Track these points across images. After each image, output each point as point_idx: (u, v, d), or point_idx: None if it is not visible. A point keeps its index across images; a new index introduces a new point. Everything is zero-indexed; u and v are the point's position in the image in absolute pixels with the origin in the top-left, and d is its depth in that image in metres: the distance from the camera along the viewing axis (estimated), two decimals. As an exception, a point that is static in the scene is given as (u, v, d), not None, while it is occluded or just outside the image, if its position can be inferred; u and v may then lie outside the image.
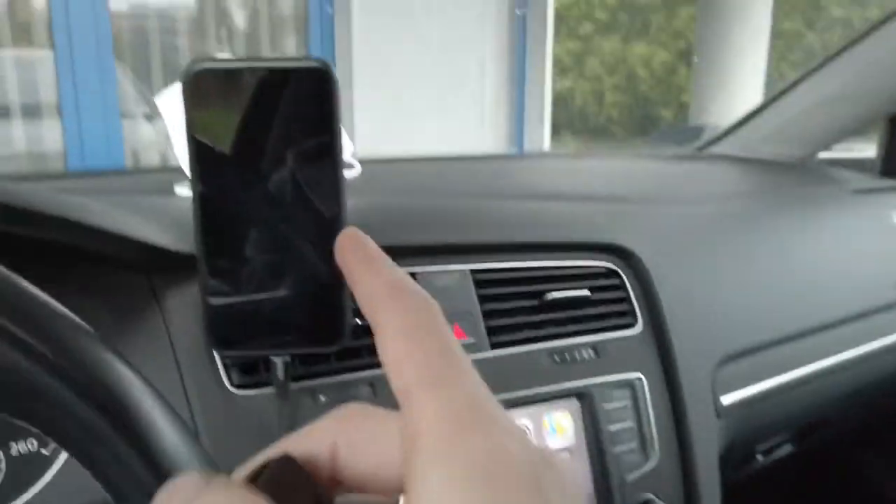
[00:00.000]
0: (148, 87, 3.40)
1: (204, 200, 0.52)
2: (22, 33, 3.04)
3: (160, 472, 0.30)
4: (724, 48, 5.31)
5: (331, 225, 0.55)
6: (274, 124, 0.52)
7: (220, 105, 0.51)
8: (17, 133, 3.06)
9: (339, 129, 0.53)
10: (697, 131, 1.43)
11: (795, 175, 1.20)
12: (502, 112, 4.90)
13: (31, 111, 3.05)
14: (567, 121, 10.78)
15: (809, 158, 1.34)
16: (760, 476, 1.01)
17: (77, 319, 0.33)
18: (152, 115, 3.36)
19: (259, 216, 0.54)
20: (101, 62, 3.04)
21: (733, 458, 0.84)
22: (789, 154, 1.34)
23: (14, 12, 2.98)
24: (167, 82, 3.41)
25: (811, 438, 0.99)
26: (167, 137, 0.79)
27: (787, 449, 0.98)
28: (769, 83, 5.73)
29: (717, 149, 1.45)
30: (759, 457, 0.92)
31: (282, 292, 0.56)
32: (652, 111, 11.07)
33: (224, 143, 0.53)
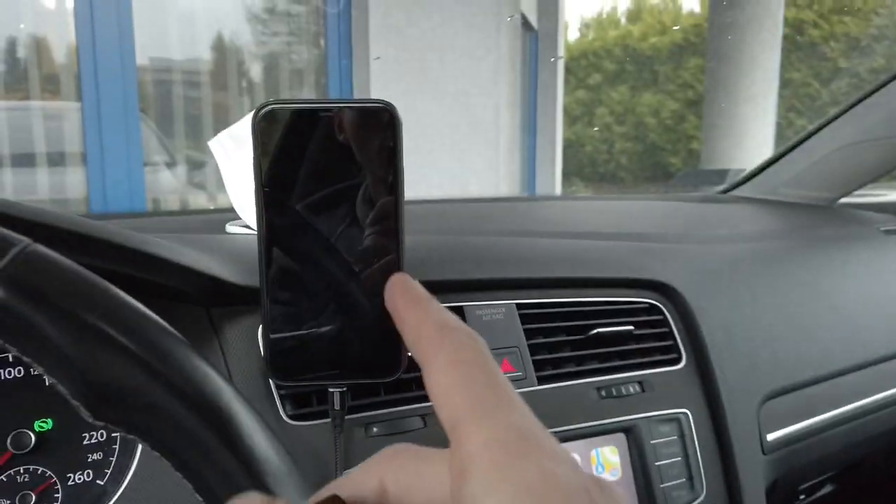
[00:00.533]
0: (169, 137, 3.48)
1: (269, 235, 0.54)
2: (50, 85, 3.13)
3: (262, 484, 0.31)
4: (733, 95, 5.39)
5: (389, 261, 0.57)
6: (339, 162, 0.54)
7: (288, 143, 0.53)
8: (42, 179, 3.13)
9: (402, 168, 0.55)
10: (721, 175, 1.45)
11: (822, 216, 1.21)
12: (515, 158, 4.97)
13: (56, 160, 3.12)
14: (577, 168, 10.91)
15: (834, 202, 1.35)
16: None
17: (177, 333, 0.34)
18: (172, 163, 3.43)
19: (321, 252, 0.56)
20: (127, 113, 3.13)
21: (777, 497, 0.83)
22: (814, 197, 1.36)
23: (42, 65, 3.08)
24: (188, 132, 3.50)
25: (852, 478, 0.98)
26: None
27: (828, 488, 0.96)
28: (779, 131, 5.80)
29: (741, 192, 1.47)
30: (802, 496, 0.91)
31: (340, 326, 0.57)
32: (661, 159, 11.18)
33: (290, 179, 0.55)
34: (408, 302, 0.30)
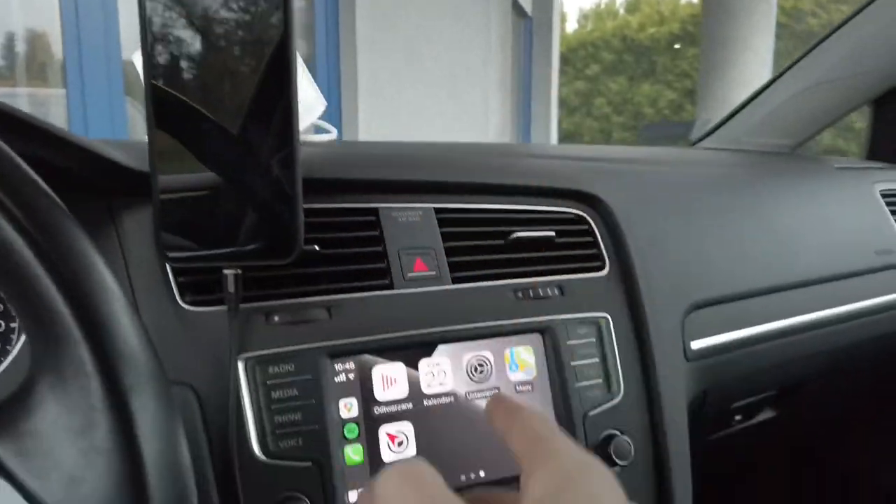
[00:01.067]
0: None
1: (155, 108, 0.54)
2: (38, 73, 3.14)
3: (111, 369, 0.30)
4: (726, 80, 5.37)
5: (283, 135, 0.56)
6: (228, 24, 0.54)
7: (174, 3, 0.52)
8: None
9: (292, 30, 0.55)
10: (686, 127, 1.44)
11: (782, 158, 1.20)
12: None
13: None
14: (575, 159, 10.85)
15: (795, 148, 1.34)
16: (739, 442, 0.98)
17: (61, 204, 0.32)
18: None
19: (210, 127, 0.55)
20: (112, 98, 3.13)
21: (708, 413, 0.82)
22: (777, 144, 1.34)
23: (29, 52, 3.08)
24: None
25: (789, 404, 0.97)
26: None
27: (768, 413, 0.95)
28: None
29: (705, 144, 1.46)
30: (738, 417, 0.90)
31: (233, 203, 0.57)
32: (660, 149, 11.13)
33: (177, 48, 0.55)
34: (506, 411, 0.36)
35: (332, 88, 3.81)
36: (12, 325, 0.56)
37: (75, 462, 0.28)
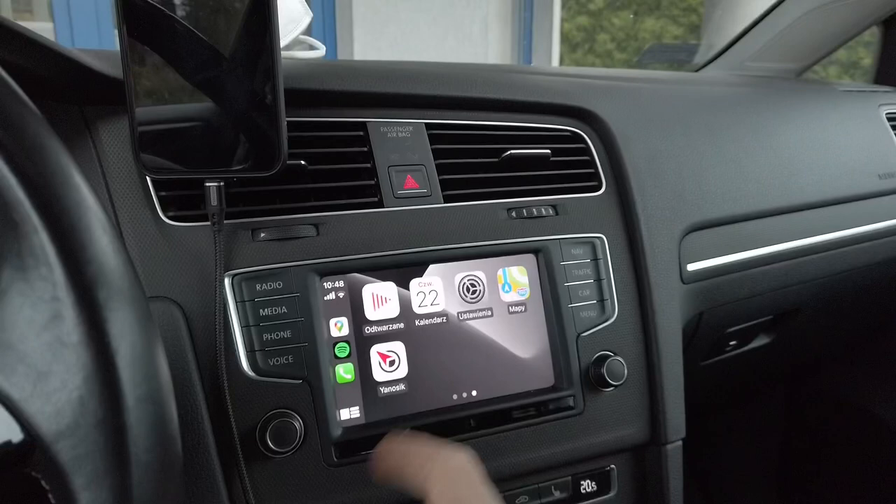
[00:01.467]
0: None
1: (126, 7, 0.50)
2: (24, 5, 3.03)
3: (85, 287, 0.27)
4: (730, 13, 5.21)
5: (263, 44, 0.53)
6: None
7: None
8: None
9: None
10: (690, 50, 1.39)
11: (786, 82, 1.16)
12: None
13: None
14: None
15: (800, 73, 1.30)
16: (731, 369, 0.98)
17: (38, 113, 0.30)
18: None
19: (185, 28, 0.52)
20: (101, 33, 3.04)
21: (703, 338, 0.82)
22: (782, 69, 1.30)
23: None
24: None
25: (784, 330, 0.96)
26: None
27: (762, 340, 0.95)
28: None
29: (709, 70, 1.42)
30: (734, 342, 0.90)
31: (214, 114, 0.54)
32: (662, 87, 10.92)
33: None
34: (393, 457, 0.41)
35: (328, 18, 3.69)
36: None
37: (42, 356, 0.26)
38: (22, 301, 0.27)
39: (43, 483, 0.28)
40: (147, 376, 0.28)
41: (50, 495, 0.28)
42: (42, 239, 0.26)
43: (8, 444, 0.27)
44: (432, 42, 4.01)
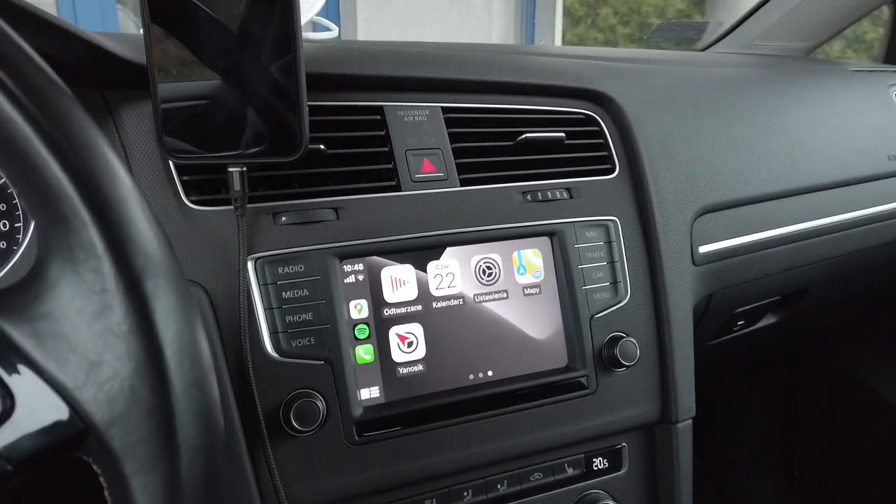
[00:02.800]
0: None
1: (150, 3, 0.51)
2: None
3: (129, 265, 0.28)
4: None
5: (285, 29, 0.54)
6: None
7: None
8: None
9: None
10: (699, 28, 1.38)
11: (796, 61, 1.16)
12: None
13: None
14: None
15: (809, 52, 1.30)
16: (737, 348, 1.00)
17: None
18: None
19: (210, 16, 0.52)
20: (104, 6, 3.01)
21: (712, 318, 0.83)
22: (792, 48, 1.30)
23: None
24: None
25: (791, 310, 0.97)
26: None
27: (769, 320, 0.96)
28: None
29: (717, 49, 1.41)
30: (741, 322, 0.91)
31: (236, 99, 0.55)
32: (665, 61, 10.82)
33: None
34: None
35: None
36: (17, 224, 0.55)
37: (93, 346, 0.27)
38: (73, 293, 0.28)
39: (94, 467, 0.29)
40: (193, 364, 0.29)
41: (101, 479, 0.29)
42: (92, 233, 0.27)
43: (62, 430, 0.28)
44: (436, 16, 3.98)
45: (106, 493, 0.28)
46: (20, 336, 0.27)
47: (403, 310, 0.61)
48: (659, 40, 1.43)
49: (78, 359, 0.28)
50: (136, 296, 0.28)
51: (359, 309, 0.59)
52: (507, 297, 0.64)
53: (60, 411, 0.28)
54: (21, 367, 0.27)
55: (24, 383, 0.27)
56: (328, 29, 0.86)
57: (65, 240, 0.27)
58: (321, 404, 0.55)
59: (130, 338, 0.28)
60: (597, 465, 0.70)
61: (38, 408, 0.27)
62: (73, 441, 0.28)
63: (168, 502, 0.27)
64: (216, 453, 0.30)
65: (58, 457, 0.28)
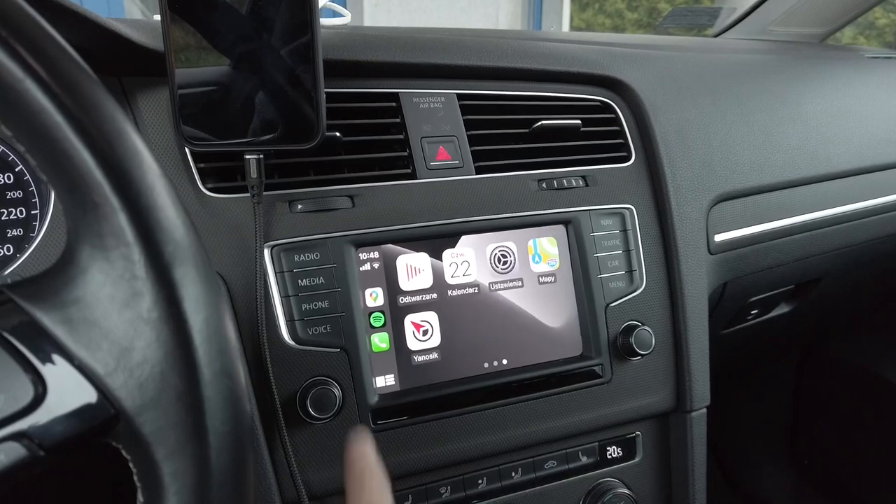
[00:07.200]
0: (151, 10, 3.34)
1: None
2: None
3: (158, 253, 0.28)
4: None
5: (303, 17, 0.53)
6: None
7: None
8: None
9: None
10: (712, 14, 1.37)
11: (811, 48, 1.15)
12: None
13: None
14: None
15: (824, 38, 1.28)
16: (750, 337, 0.99)
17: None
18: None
19: (227, 4, 0.52)
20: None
21: (726, 307, 0.83)
22: (806, 34, 1.29)
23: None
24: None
25: (805, 299, 0.97)
26: None
27: (782, 308, 0.96)
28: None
29: (731, 35, 1.40)
30: (755, 311, 0.91)
31: (253, 87, 0.54)
32: (674, 48, 10.73)
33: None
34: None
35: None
36: (34, 212, 0.55)
37: (124, 332, 0.27)
38: (103, 279, 0.28)
39: (123, 453, 0.29)
40: (221, 350, 0.29)
41: (130, 465, 0.29)
42: (122, 219, 0.27)
43: (93, 416, 0.28)
44: (443, 2, 3.95)
45: (136, 478, 0.28)
46: (51, 322, 0.27)
47: (419, 298, 0.61)
48: (671, 26, 1.41)
49: (109, 345, 0.28)
50: (166, 283, 0.28)
51: (374, 297, 0.59)
52: (522, 286, 0.64)
53: (91, 397, 0.28)
54: (53, 354, 0.27)
55: (55, 370, 0.27)
56: (341, 14, 0.85)
57: (95, 226, 0.27)
58: (337, 392, 0.55)
59: (160, 325, 0.28)
60: (611, 454, 0.70)
61: (69, 394, 0.27)
62: (103, 427, 0.28)
63: (198, 487, 0.27)
64: (244, 439, 0.30)
65: (88, 442, 0.28)
